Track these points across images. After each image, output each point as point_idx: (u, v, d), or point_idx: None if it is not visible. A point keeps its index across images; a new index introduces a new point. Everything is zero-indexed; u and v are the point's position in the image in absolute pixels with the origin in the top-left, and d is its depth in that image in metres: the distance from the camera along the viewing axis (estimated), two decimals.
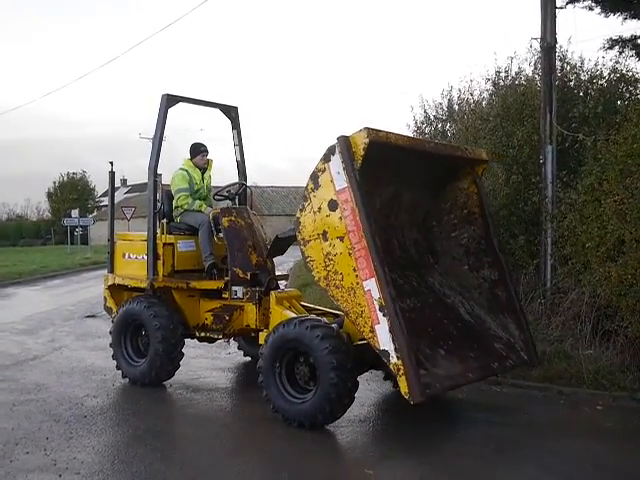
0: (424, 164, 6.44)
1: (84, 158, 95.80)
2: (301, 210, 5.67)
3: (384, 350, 5.12)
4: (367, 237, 5.26)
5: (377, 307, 5.15)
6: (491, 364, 6.19)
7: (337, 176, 5.43)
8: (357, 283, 5.27)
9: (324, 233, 5.51)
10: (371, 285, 5.19)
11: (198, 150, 7.85)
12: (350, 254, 5.33)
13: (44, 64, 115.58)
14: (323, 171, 5.53)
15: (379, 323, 5.14)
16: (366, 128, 5.34)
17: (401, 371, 5.04)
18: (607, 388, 6.81)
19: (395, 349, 5.07)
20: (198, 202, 7.65)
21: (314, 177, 5.59)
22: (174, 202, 7.67)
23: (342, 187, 5.39)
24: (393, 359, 5.07)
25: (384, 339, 5.12)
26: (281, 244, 6.81)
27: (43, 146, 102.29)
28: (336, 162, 5.43)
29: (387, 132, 5.58)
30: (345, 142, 5.40)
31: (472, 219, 6.80)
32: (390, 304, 5.13)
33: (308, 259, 5.63)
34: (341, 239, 5.40)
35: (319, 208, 5.55)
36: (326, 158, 5.50)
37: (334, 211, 5.45)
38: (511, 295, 6.61)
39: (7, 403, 6.49)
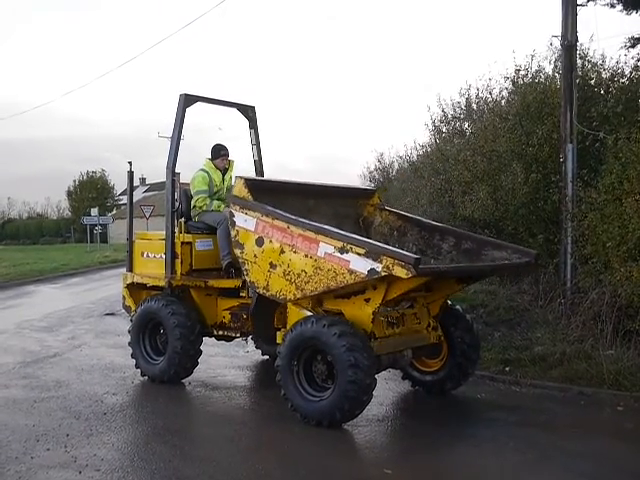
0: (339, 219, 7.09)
1: (103, 157, 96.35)
2: (247, 275, 6.19)
3: (370, 270, 5.24)
4: (292, 224, 5.72)
5: (339, 254, 5.39)
6: (491, 262, 6.56)
7: (246, 223, 6.07)
8: (315, 260, 5.58)
9: (271, 264, 5.93)
10: (322, 248, 5.51)
11: (218, 153, 7.86)
12: (295, 252, 5.73)
13: (63, 64, 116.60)
14: (237, 233, 6.16)
15: (349, 261, 5.35)
16: (237, 176, 6.35)
17: (390, 264, 5.12)
18: (628, 389, 6.72)
19: (373, 258, 5.22)
20: (216, 202, 7.67)
21: (236, 244, 6.20)
22: (192, 202, 7.70)
23: (254, 223, 6.00)
24: (379, 267, 5.19)
25: (360, 263, 5.29)
26: (262, 318, 6.68)
27: (62, 145, 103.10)
28: (239, 217, 6.12)
29: (260, 178, 6.38)
30: (234, 198, 6.21)
31: (402, 230, 7.36)
32: (342, 237, 5.44)
33: (277, 293, 5.97)
34: (282, 252, 5.83)
35: (254, 256, 6.05)
36: (232, 224, 6.19)
37: (263, 244, 5.96)
38: (474, 237, 6.96)
39: (28, 400, 6.56)
